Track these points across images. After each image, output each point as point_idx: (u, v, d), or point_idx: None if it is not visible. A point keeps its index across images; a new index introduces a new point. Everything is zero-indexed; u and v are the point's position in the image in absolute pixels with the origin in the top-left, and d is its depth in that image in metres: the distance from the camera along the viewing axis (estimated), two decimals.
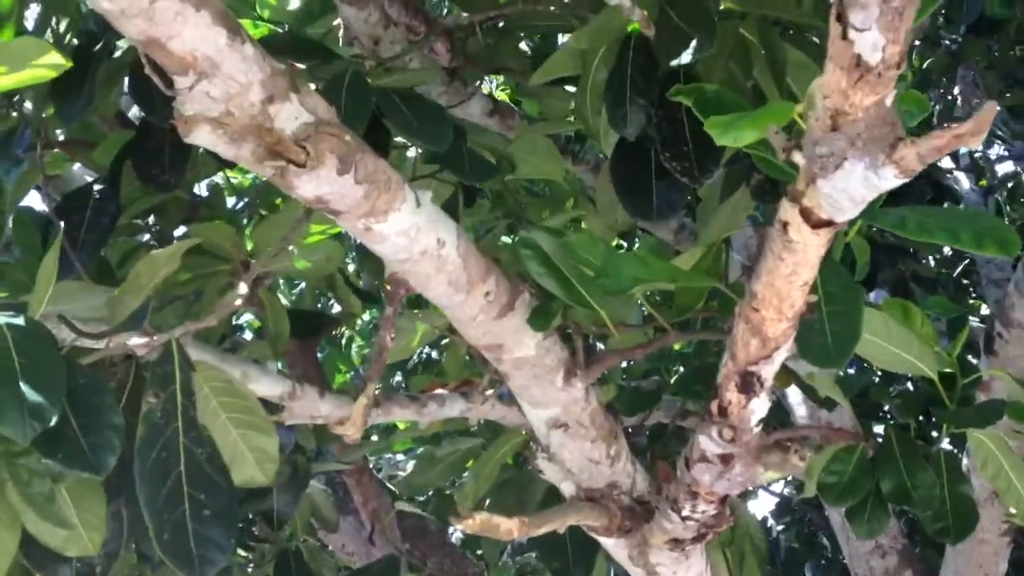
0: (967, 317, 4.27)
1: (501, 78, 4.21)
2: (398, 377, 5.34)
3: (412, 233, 1.59)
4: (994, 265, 5.07)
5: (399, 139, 2.22)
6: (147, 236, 2.63)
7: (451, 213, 1.73)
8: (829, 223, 1.26)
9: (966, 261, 5.29)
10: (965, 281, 5.39)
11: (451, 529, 4.18)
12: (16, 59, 1.30)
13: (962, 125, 1.02)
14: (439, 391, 2.21)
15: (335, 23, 2.76)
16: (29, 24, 2.29)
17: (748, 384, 1.62)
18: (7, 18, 2.03)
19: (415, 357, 5.18)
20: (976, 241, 1.35)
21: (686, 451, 1.87)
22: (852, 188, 1.16)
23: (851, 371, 4.09)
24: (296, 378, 1.99)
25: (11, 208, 2.25)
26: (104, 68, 2.10)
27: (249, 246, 2.23)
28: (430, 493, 4.24)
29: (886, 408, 4.26)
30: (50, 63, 1.30)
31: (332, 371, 5.71)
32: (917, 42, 4.76)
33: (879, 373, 4.12)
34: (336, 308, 4.31)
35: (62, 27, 2.29)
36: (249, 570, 3.27)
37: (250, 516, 3.00)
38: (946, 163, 5.42)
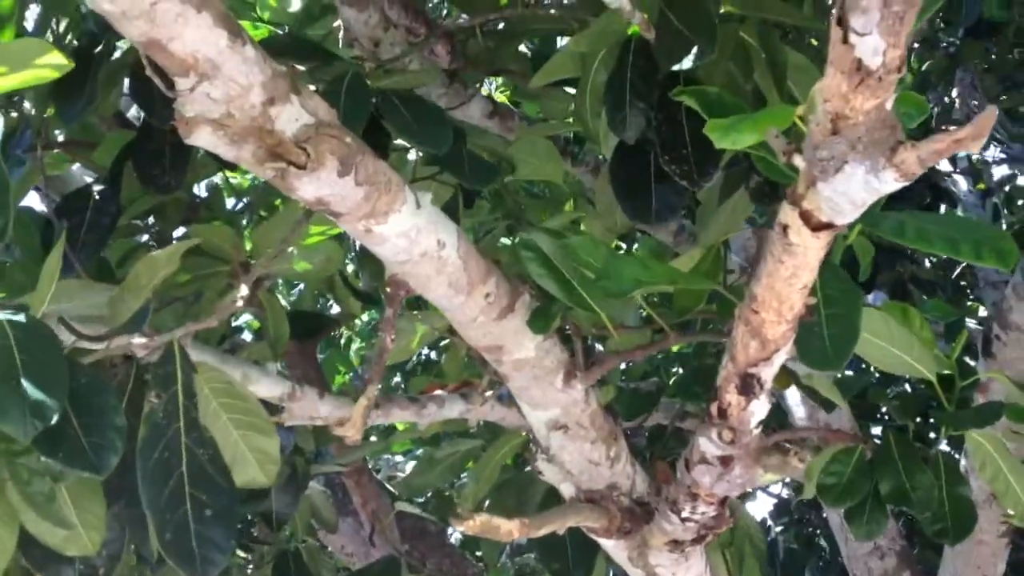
0: (965, 320, 4.28)
1: (500, 80, 4.22)
2: (397, 378, 5.34)
3: (412, 235, 1.60)
4: (992, 268, 5.06)
5: (399, 141, 2.22)
6: (146, 236, 2.63)
7: (451, 215, 1.73)
8: (829, 226, 1.26)
9: (964, 263, 5.29)
10: (963, 283, 5.39)
11: (450, 530, 4.19)
12: (18, 59, 1.30)
13: (962, 129, 1.03)
14: (438, 392, 2.22)
15: (335, 25, 2.76)
16: (29, 25, 2.29)
17: (748, 386, 1.62)
18: (7, 19, 2.03)
19: (414, 358, 5.18)
20: (975, 251, 1.36)
21: (686, 453, 1.87)
22: (852, 191, 1.16)
23: (849, 373, 4.10)
24: (296, 379, 2.00)
25: (12, 208, 2.25)
26: (104, 69, 2.10)
27: (248, 247, 2.23)
28: (429, 494, 4.24)
29: (883, 410, 4.27)
30: (52, 63, 1.30)
31: (331, 372, 5.71)
32: (916, 44, 4.77)
33: (877, 375, 4.12)
34: (335, 309, 4.31)
35: (61, 28, 2.30)
36: (248, 571, 3.28)
37: (249, 517, 3.00)
38: (944, 166, 5.42)
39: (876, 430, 4.17)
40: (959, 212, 5.46)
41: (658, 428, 3.08)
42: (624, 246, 3.69)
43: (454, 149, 2.04)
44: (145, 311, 1.60)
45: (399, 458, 6.21)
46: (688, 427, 2.82)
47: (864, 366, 4.08)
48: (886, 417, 4.60)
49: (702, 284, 1.87)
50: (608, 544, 2.13)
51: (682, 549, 2.06)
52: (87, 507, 1.57)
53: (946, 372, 2.04)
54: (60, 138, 2.49)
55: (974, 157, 5.88)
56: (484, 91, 3.02)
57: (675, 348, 3.85)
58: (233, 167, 2.39)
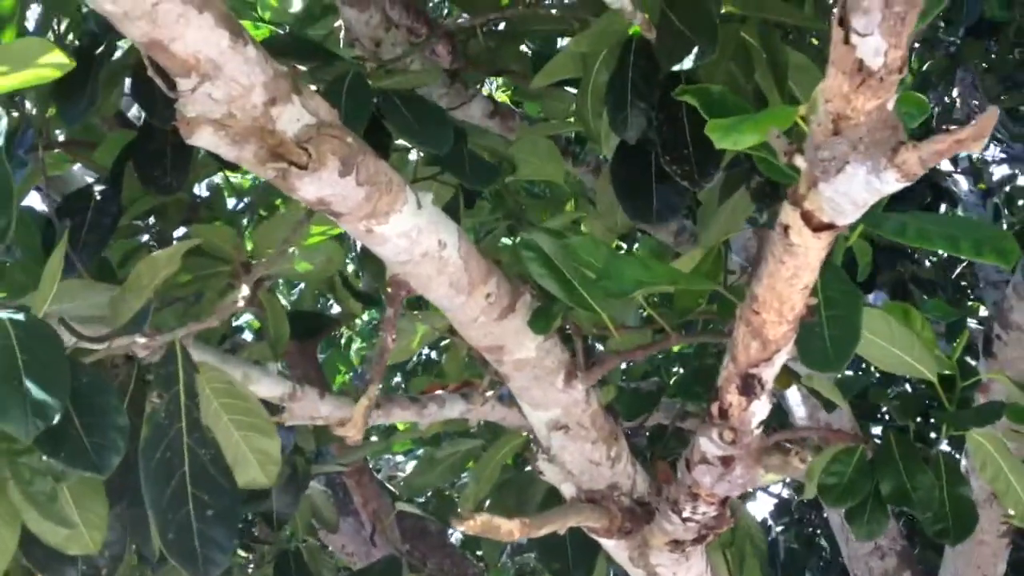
0: (966, 320, 4.28)
1: (501, 79, 4.22)
2: (398, 378, 5.34)
3: (413, 235, 1.60)
4: (992, 267, 5.08)
5: (400, 141, 2.22)
6: (147, 236, 2.63)
7: (452, 215, 1.73)
8: (830, 226, 1.26)
9: (964, 263, 5.30)
10: (963, 283, 5.40)
11: (451, 530, 4.19)
12: (19, 59, 1.30)
13: (964, 130, 1.03)
14: (439, 392, 2.22)
15: (336, 25, 2.76)
16: (29, 25, 2.29)
17: (749, 386, 1.62)
18: (9, 19, 2.03)
19: (415, 358, 5.19)
20: (975, 249, 1.36)
21: (687, 453, 1.87)
22: (854, 192, 1.16)
23: (849, 373, 4.10)
24: (296, 379, 2.00)
25: (15, 209, 2.25)
26: (106, 69, 2.10)
27: (249, 247, 2.23)
28: (430, 494, 4.25)
29: (884, 410, 4.27)
30: (53, 63, 1.30)
31: (332, 372, 5.72)
32: (916, 44, 4.77)
33: (877, 375, 4.12)
34: (336, 309, 4.32)
35: (62, 28, 2.30)
36: (249, 571, 3.28)
37: (250, 517, 3.00)
38: (945, 165, 5.43)
39: (876, 430, 4.17)
40: (960, 212, 5.47)
41: (659, 428, 3.08)
42: (625, 246, 3.70)
43: (455, 149, 2.04)
44: (146, 311, 1.60)
45: (400, 458, 6.21)
46: (689, 427, 2.83)
47: (864, 366, 4.09)
48: (886, 417, 4.61)
49: (703, 284, 1.87)
50: (609, 544, 2.13)
51: (683, 549, 2.06)
52: (89, 507, 1.57)
53: (947, 372, 2.04)
54: (61, 138, 2.49)
55: (975, 157, 5.88)
56: (485, 91, 3.02)
57: (676, 348, 3.85)
58: (234, 167, 2.38)
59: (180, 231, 2.66)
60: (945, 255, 5.14)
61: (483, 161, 2.23)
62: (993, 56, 5.20)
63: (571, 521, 2.01)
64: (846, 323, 1.56)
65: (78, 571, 1.65)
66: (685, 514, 1.96)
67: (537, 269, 1.76)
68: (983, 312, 5.29)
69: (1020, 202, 5.84)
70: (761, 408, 1.69)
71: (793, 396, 3.63)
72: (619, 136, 2.02)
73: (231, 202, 3.60)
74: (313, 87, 1.46)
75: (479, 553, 4.49)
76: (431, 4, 3.87)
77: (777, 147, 1.21)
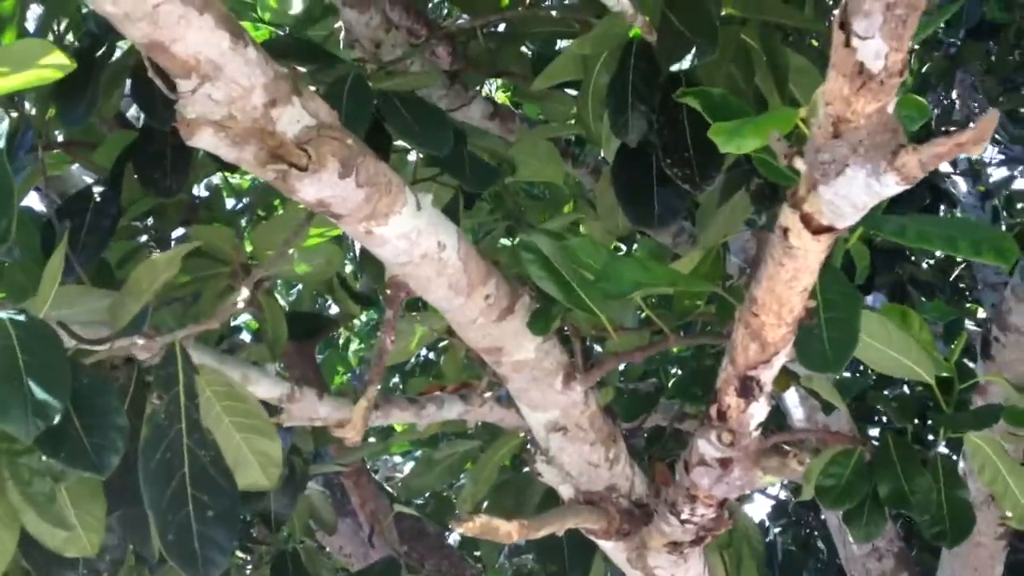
0: (964, 322, 4.28)
1: (501, 80, 4.22)
2: (395, 379, 5.34)
3: (413, 236, 1.60)
4: (991, 269, 5.09)
5: (400, 142, 2.22)
6: (145, 237, 2.63)
7: (452, 216, 1.73)
8: (830, 229, 1.26)
9: (963, 265, 5.30)
10: (962, 285, 5.40)
11: (449, 531, 4.19)
12: (20, 60, 1.31)
13: (964, 133, 1.03)
14: (437, 393, 2.22)
15: (336, 26, 2.76)
16: (30, 26, 2.29)
17: (747, 388, 1.62)
18: (9, 20, 2.03)
19: (413, 359, 5.19)
20: (974, 249, 1.36)
21: (685, 455, 1.88)
22: (854, 195, 1.16)
23: (847, 375, 4.10)
24: (294, 380, 1.99)
25: (15, 211, 2.25)
26: (106, 71, 2.10)
27: (248, 248, 2.23)
28: (428, 495, 4.25)
29: (881, 412, 4.27)
30: (54, 64, 1.30)
31: (330, 373, 5.71)
32: (916, 46, 4.77)
33: (874, 377, 4.12)
34: (334, 310, 4.31)
35: (62, 29, 2.30)
36: (247, 572, 3.27)
37: (248, 518, 3.00)
38: (944, 167, 5.43)
39: (874, 432, 4.17)
40: (959, 214, 5.48)
41: (657, 430, 3.09)
42: (624, 247, 3.70)
43: (455, 151, 2.04)
44: (145, 313, 1.60)
45: (398, 459, 6.21)
46: (687, 428, 2.83)
47: (862, 368, 4.09)
48: (884, 419, 4.61)
49: (702, 286, 1.87)
50: (607, 545, 2.13)
51: (681, 551, 2.06)
52: (87, 509, 1.56)
53: (945, 374, 2.05)
54: (60, 138, 2.49)
55: (974, 159, 5.89)
56: (484, 92, 3.02)
57: (674, 349, 3.85)
58: (234, 169, 2.39)
59: (179, 231, 2.66)
60: (943, 257, 5.15)
61: (483, 163, 2.24)
62: (993, 58, 5.20)
63: (569, 522, 2.01)
64: (845, 325, 1.56)
65: (78, 574, 1.65)
66: (683, 516, 1.96)
67: (536, 271, 1.77)
68: (981, 314, 5.29)
69: (1020, 205, 5.85)
70: (760, 410, 1.70)
71: (791, 398, 3.64)
72: (620, 139, 2.02)
73: (230, 203, 3.60)
74: (313, 89, 1.46)
75: (477, 554, 4.49)
76: (431, 5, 3.86)
77: (777, 150, 1.22)
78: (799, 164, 1.20)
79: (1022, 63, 5.18)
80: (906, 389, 4.09)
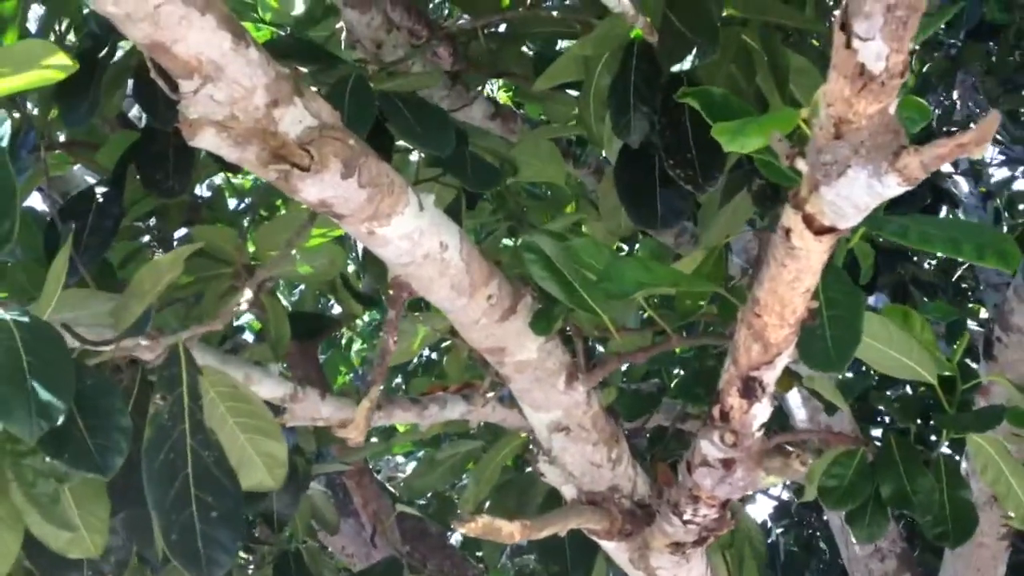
0: (966, 322, 4.28)
1: (502, 81, 4.22)
2: (398, 379, 5.34)
3: (415, 237, 1.60)
4: (993, 269, 5.07)
5: (402, 143, 2.22)
6: (148, 237, 2.63)
7: (454, 217, 1.73)
8: (832, 230, 1.26)
9: (965, 265, 5.30)
10: (964, 285, 5.40)
11: (451, 531, 4.19)
12: (23, 61, 1.31)
13: (965, 134, 1.03)
14: (440, 394, 2.22)
15: (337, 27, 2.76)
16: (31, 26, 2.29)
17: (750, 389, 1.62)
18: (10, 21, 2.03)
19: (415, 360, 5.19)
20: (977, 253, 1.36)
21: (688, 455, 1.88)
22: (855, 195, 1.16)
23: (849, 375, 4.10)
24: (297, 380, 2.00)
25: (18, 213, 2.25)
26: (108, 72, 2.10)
27: (251, 248, 2.23)
28: (430, 495, 4.24)
29: (883, 412, 4.27)
30: (57, 65, 1.30)
31: (333, 373, 5.72)
32: (917, 47, 4.76)
33: (876, 377, 4.12)
34: (337, 310, 4.32)
35: (63, 30, 2.30)
36: (249, 572, 3.28)
37: (250, 518, 3.00)
38: (945, 167, 5.42)
39: (876, 432, 4.17)
40: (960, 214, 5.47)
41: (659, 430, 3.09)
42: (625, 248, 3.70)
43: (457, 151, 2.04)
44: (148, 315, 1.60)
45: (400, 459, 6.21)
46: (689, 428, 2.83)
47: (864, 368, 4.09)
48: (886, 420, 4.60)
49: (704, 286, 1.87)
50: (609, 546, 2.13)
51: (683, 551, 2.06)
52: (91, 510, 1.57)
53: (947, 374, 2.05)
54: (62, 138, 2.49)
55: (974, 159, 5.88)
56: (486, 93, 3.02)
57: (677, 350, 3.85)
58: (236, 169, 2.38)
59: (181, 231, 2.67)
60: (945, 257, 5.14)
61: (485, 163, 2.23)
62: (993, 59, 5.20)
63: (572, 523, 2.01)
64: (847, 324, 1.56)
65: None
66: (686, 516, 1.96)
67: (538, 271, 1.77)
68: (983, 314, 5.29)
69: (1021, 206, 5.84)
70: (762, 411, 1.70)
71: (794, 398, 3.64)
72: (622, 140, 2.02)
73: (232, 203, 3.60)
74: (315, 90, 1.46)
75: (479, 554, 4.49)
76: (432, 6, 3.87)
77: (779, 150, 1.22)
78: (801, 165, 1.20)
79: (1022, 64, 5.17)
80: (908, 390, 4.09)
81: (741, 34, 2.02)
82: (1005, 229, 5.44)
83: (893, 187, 1.13)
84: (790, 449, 1.87)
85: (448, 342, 2.84)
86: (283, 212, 3.25)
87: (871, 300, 4.50)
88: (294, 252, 2.05)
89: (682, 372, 3.77)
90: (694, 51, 1.82)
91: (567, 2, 2.76)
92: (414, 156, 2.64)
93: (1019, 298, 3.09)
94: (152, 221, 2.58)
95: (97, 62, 2.08)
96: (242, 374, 1.84)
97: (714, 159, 1.95)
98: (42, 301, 1.51)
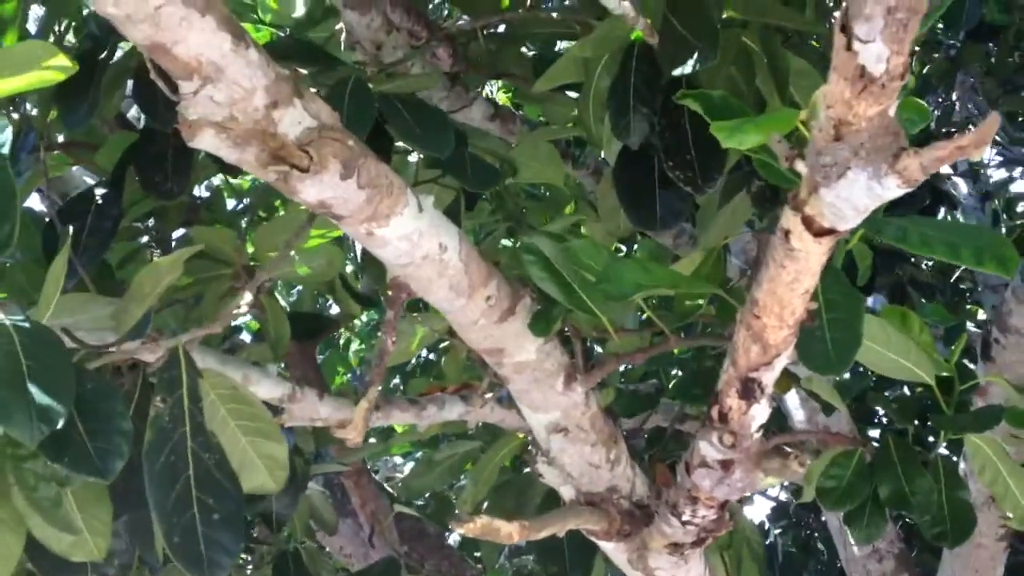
0: (965, 324, 4.28)
1: (502, 82, 4.22)
2: (396, 380, 5.34)
3: (414, 238, 1.60)
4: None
5: (401, 144, 2.22)
6: (146, 238, 2.63)
7: (453, 218, 1.73)
8: (831, 231, 1.26)
9: (963, 267, 5.30)
10: (962, 286, 5.40)
11: (449, 531, 4.19)
12: (22, 62, 1.31)
13: (965, 136, 1.03)
14: (438, 394, 2.22)
15: (337, 28, 2.76)
16: (31, 27, 2.29)
17: (749, 390, 1.62)
18: (10, 22, 2.03)
19: (413, 360, 5.19)
20: (976, 257, 1.37)
21: (686, 456, 1.88)
22: (855, 197, 1.16)
23: (847, 376, 4.10)
24: (295, 380, 2.00)
25: (18, 216, 2.25)
26: (108, 73, 2.10)
27: (249, 249, 2.23)
28: (428, 496, 4.25)
29: (881, 413, 4.27)
30: (57, 66, 1.30)
31: (331, 373, 5.71)
32: (916, 48, 4.76)
33: (874, 378, 4.13)
34: (335, 310, 4.32)
35: (63, 30, 2.30)
36: (248, 572, 3.28)
37: (249, 518, 3.00)
38: (944, 168, 5.42)
39: (873, 433, 4.17)
40: (959, 215, 5.48)
41: (657, 431, 3.09)
42: (624, 249, 3.70)
43: (456, 153, 2.04)
44: (147, 318, 1.60)
45: (398, 459, 6.21)
46: (687, 429, 2.83)
47: (861, 369, 4.09)
48: (883, 421, 4.61)
49: (703, 287, 1.88)
50: (608, 547, 2.13)
51: (682, 552, 2.06)
52: (93, 513, 1.56)
53: (945, 375, 2.05)
54: (61, 139, 2.49)
55: (973, 160, 5.89)
56: (485, 94, 3.03)
57: (675, 351, 3.85)
58: (234, 171, 2.38)
59: (180, 232, 2.66)
60: None
61: (484, 164, 2.23)
62: (993, 60, 5.20)
63: (570, 523, 2.01)
64: (847, 326, 1.56)
65: None
66: (684, 517, 1.96)
67: (537, 272, 1.77)
68: (981, 316, 5.29)
69: (1020, 207, 5.85)
70: (761, 412, 1.70)
71: (792, 399, 3.64)
72: (621, 141, 2.02)
73: (231, 203, 3.60)
74: (315, 91, 1.46)
75: (477, 555, 4.49)
76: (431, 7, 3.86)
77: (778, 152, 1.22)
78: (800, 166, 1.21)
79: (1022, 65, 5.17)
80: (906, 391, 4.09)
81: (741, 36, 2.02)
82: (1003, 230, 5.44)
83: (893, 189, 1.13)
84: (788, 450, 1.87)
85: (446, 343, 2.84)
86: (282, 213, 3.25)
87: (869, 301, 4.50)
88: (292, 253, 2.05)
89: (680, 373, 3.78)
90: (695, 55, 1.82)
91: (567, 3, 2.76)
92: (413, 157, 2.64)
93: (1017, 300, 3.10)
94: (151, 222, 2.58)
95: (97, 63, 2.08)
96: (240, 374, 1.84)
97: (713, 161, 1.96)
98: (41, 305, 1.51)
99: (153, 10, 1.21)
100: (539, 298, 1.84)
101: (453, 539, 4.70)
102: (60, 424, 1.31)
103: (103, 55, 2.10)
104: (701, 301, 1.96)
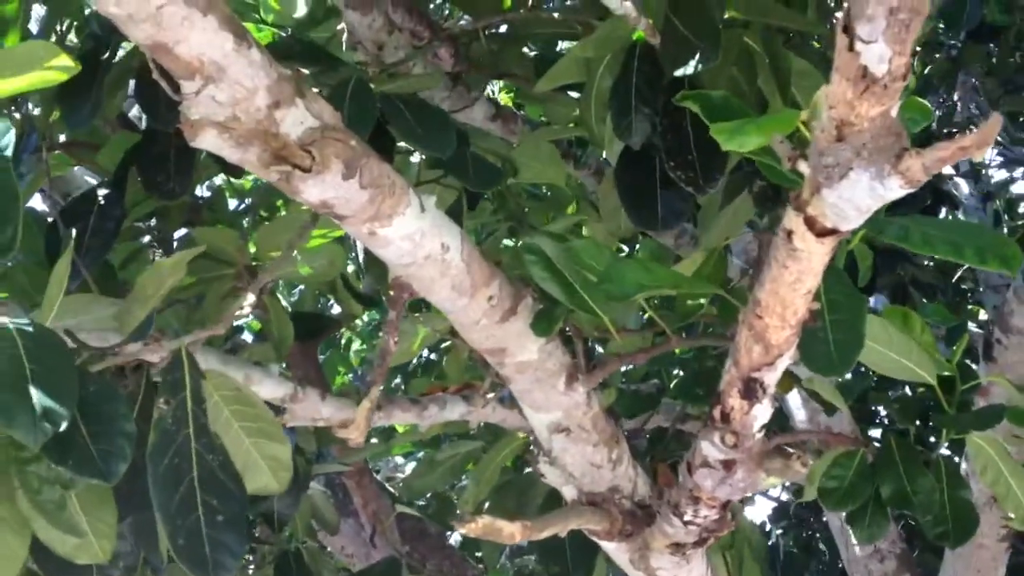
0: (966, 324, 4.28)
1: (503, 82, 4.22)
2: (397, 380, 5.34)
3: (416, 238, 1.60)
4: (994, 271, 5.07)
5: (403, 144, 2.23)
6: (148, 238, 2.63)
7: (455, 218, 1.73)
8: (834, 232, 1.26)
9: (964, 267, 5.30)
10: (964, 287, 5.40)
11: (450, 531, 4.19)
12: (25, 62, 1.31)
13: (967, 137, 1.03)
14: (440, 394, 2.22)
15: (339, 28, 2.76)
16: (32, 27, 2.29)
17: (751, 390, 1.62)
18: (12, 22, 2.03)
19: (414, 360, 5.19)
20: (979, 256, 1.37)
21: (688, 456, 1.88)
22: (857, 198, 1.16)
23: (848, 376, 4.10)
24: (297, 380, 2.00)
25: (20, 220, 2.25)
26: (110, 73, 2.10)
27: (251, 249, 2.23)
28: (429, 496, 4.25)
29: (882, 413, 4.27)
30: (59, 66, 1.30)
31: (332, 373, 5.72)
32: (918, 48, 4.76)
33: (875, 378, 4.13)
34: (336, 309, 4.32)
35: (64, 30, 2.30)
36: (250, 571, 3.28)
37: (251, 518, 3.00)
38: (945, 169, 5.41)
39: (874, 433, 4.17)
40: (960, 216, 5.47)
41: (658, 431, 3.09)
42: (626, 249, 3.70)
43: (458, 153, 2.04)
44: (150, 319, 1.60)
45: (399, 459, 6.21)
46: (689, 429, 2.83)
47: (863, 370, 4.09)
48: (885, 421, 4.61)
49: (705, 288, 1.88)
50: (609, 547, 2.13)
51: (683, 552, 2.06)
52: (98, 515, 1.56)
53: (947, 375, 2.05)
54: (62, 139, 2.50)
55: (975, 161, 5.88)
56: (487, 94, 3.03)
57: (676, 351, 3.85)
58: (237, 171, 2.38)
59: (181, 232, 2.67)
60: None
61: (486, 164, 2.23)
62: (994, 60, 5.20)
63: (572, 523, 2.01)
64: (850, 327, 1.56)
65: None
66: (686, 517, 1.96)
67: (539, 272, 1.77)
68: (983, 316, 5.29)
69: (1021, 208, 5.84)
70: (763, 412, 1.70)
71: (793, 400, 3.64)
72: (623, 141, 2.02)
73: (232, 203, 3.60)
74: (316, 91, 1.46)
75: (478, 555, 4.49)
76: (433, 7, 3.87)
77: (781, 152, 1.22)
78: (803, 167, 1.21)
79: (1023, 65, 5.18)
80: (908, 391, 4.09)
81: (743, 36, 2.02)
82: (1005, 231, 5.43)
83: (895, 189, 1.13)
84: (791, 450, 1.87)
85: (448, 343, 2.84)
86: (283, 213, 3.25)
87: (871, 302, 4.50)
88: (295, 253, 2.05)
89: (681, 373, 3.78)
90: (697, 55, 1.82)
91: (568, 3, 2.76)
92: (415, 158, 2.64)
93: (1019, 300, 3.10)
94: (152, 221, 2.58)
95: (99, 63, 2.08)
96: (242, 374, 1.84)
97: (715, 161, 1.96)
98: (45, 307, 1.51)
99: (155, 10, 1.21)
100: (541, 298, 1.84)
101: (455, 539, 4.70)
102: (63, 427, 1.31)
103: (105, 55, 2.10)
104: (703, 301, 1.96)
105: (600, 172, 2.95)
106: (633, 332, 2.02)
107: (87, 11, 2.26)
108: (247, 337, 3.95)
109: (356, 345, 6.22)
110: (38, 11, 2.34)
